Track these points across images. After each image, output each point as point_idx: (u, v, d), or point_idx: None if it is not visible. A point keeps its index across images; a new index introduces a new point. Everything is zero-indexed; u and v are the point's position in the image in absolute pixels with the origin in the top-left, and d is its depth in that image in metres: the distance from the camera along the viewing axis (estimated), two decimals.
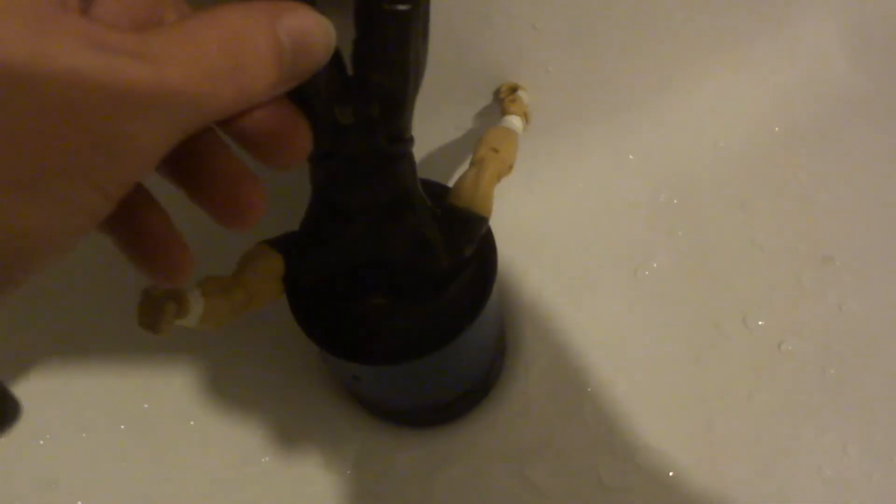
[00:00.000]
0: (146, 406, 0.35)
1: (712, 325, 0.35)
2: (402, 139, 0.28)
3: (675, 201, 0.38)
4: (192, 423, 0.35)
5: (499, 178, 0.29)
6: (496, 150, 0.29)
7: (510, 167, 0.30)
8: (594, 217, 0.38)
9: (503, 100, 0.32)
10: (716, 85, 0.38)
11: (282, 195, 0.31)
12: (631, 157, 0.38)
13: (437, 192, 0.31)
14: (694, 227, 0.37)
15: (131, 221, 0.20)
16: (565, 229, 0.38)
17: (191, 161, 0.20)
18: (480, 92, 0.33)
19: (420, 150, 0.30)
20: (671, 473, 0.33)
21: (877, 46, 0.40)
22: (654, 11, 0.34)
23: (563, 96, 0.35)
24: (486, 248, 0.30)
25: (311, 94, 0.27)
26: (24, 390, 0.33)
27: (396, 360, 0.29)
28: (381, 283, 0.28)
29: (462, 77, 0.32)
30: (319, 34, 0.20)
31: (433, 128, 0.34)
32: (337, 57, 0.27)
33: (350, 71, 0.27)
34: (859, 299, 0.35)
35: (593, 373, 0.35)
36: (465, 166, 0.36)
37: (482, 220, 0.29)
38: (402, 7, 0.26)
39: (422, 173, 0.29)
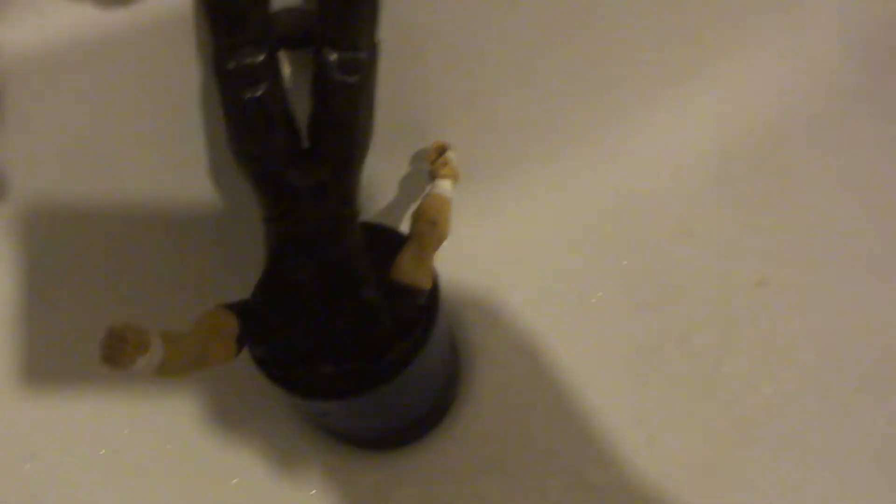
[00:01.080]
0: (126, 431, 0.37)
1: (655, 348, 0.37)
2: (351, 203, 0.31)
3: (621, 231, 0.40)
4: (168, 446, 0.37)
5: (438, 248, 0.31)
6: (434, 223, 0.31)
7: (447, 235, 0.32)
8: (544, 247, 0.40)
9: (433, 163, 0.34)
10: (657, 117, 0.40)
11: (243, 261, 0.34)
12: (578, 189, 0.40)
13: (386, 240, 0.33)
14: (638, 254, 0.39)
15: None
16: (516, 258, 0.40)
17: None
18: (418, 137, 0.36)
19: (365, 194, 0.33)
20: (615, 489, 0.35)
21: (824, 71, 0.42)
22: (595, 49, 0.37)
23: (510, 134, 0.38)
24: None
25: (268, 159, 0.30)
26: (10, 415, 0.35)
27: (357, 393, 0.31)
28: (330, 351, 0.31)
29: (401, 125, 0.35)
30: None
31: (374, 173, 0.36)
32: (292, 125, 0.30)
33: (305, 139, 0.30)
34: (792, 321, 0.37)
35: (542, 395, 0.37)
36: (403, 205, 0.39)
37: (424, 293, 0.31)
38: (351, 79, 0.29)
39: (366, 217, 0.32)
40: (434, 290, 0.32)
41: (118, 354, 0.24)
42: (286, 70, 0.31)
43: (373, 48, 0.30)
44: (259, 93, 0.29)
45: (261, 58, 0.29)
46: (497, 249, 0.40)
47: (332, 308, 0.31)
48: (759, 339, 0.37)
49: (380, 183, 0.37)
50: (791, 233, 0.38)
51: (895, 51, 0.42)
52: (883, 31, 0.42)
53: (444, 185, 0.33)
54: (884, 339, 0.36)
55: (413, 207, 0.39)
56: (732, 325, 0.37)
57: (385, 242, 0.33)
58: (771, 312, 0.37)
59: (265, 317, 0.31)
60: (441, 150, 0.34)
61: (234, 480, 0.36)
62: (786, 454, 0.35)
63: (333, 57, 0.29)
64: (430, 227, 0.32)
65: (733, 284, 0.38)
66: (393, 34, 0.31)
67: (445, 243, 0.32)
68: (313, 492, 0.36)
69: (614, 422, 0.36)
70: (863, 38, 0.42)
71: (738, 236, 0.39)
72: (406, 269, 0.31)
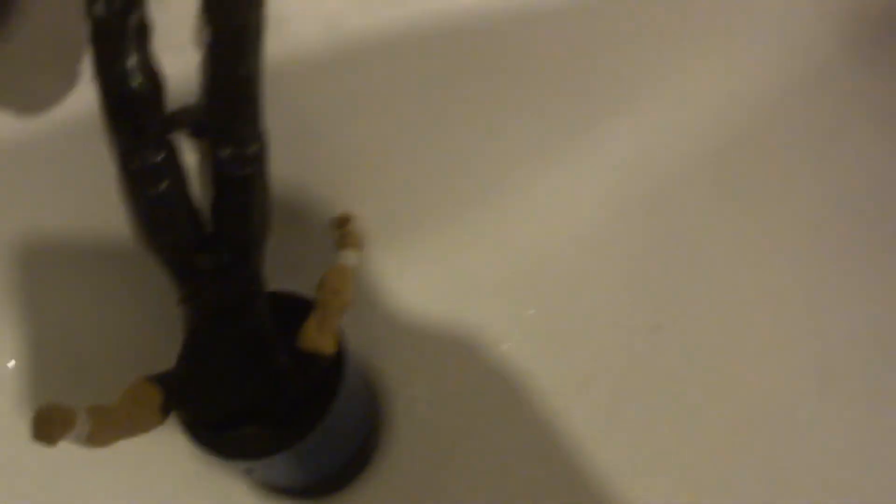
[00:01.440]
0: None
1: (555, 396, 0.40)
2: (257, 280, 0.34)
3: (526, 282, 0.43)
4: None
5: (341, 315, 0.34)
6: (336, 293, 0.34)
7: (350, 302, 0.34)
8: (455, 300, 0.43)
9: (336, 232, 0.36)
10: (556, 171, 0.43)
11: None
12: (484, 245, 0.43)
13: (296, 307, 0.35)
14: (544, 304, 0.42)
15: None
16: (429, 313, 0.43)
17: None
18: (327, 206, 0.39)
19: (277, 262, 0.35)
20: None
21: (712, 123, 0.45)
22: (488, 121, 0.40)
23: (416, 198, 0.41)
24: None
25: (175, 247, 0.32)
26: None
27: (273, 452, 0.34)
28: (248, 415, 0.33)
29: (310, 197, 0.38)
30: None
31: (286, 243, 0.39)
32: (196, 213, 0.33)
33: (209, 226, 0.33)
34: (686, 364, 0.39)
35: (460, 443, 0.40)
36: (315, 273, 0.41)
37: (328, 358, 0.34)
38: (243, 172, 0.32)
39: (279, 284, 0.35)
40: (340, 354, 0.35)
41: (47, 433, 0.28)
42: (189, 157, 0.34)
43: (260, 138, 0.32)
44: (162, 189, 0.31)
45: (161, 156, 0.31)
46: (410, 305, 0.43)
47: (246, 376, 0.33)
48: (654, 382, 0.39)
49: (292, 252, 0.40)
50: (683, 277, 0.41)
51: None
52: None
53: (348, 256, 0.36)
54: (776, 381, 0.38)
55: None
56: (629, 371, 0.40)
57: (294, 309, 0.36)
58: (666, 356, 0.40)
59: (186, 386, 0.33)
60: (344, 222, 0.37)
61: None
62: (681, 495, 0.37)
63: (225, 154, 0.31)
64: (333, 297, 0.34)
65: (630, 330, 0.40)
66: (289, 118, 0.33)
67: (361, 303, 0.34)
68: None
69: (527, 471, 0.39)
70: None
71: (631, 285, 0.42)
72: (310, 337, 0.34)
